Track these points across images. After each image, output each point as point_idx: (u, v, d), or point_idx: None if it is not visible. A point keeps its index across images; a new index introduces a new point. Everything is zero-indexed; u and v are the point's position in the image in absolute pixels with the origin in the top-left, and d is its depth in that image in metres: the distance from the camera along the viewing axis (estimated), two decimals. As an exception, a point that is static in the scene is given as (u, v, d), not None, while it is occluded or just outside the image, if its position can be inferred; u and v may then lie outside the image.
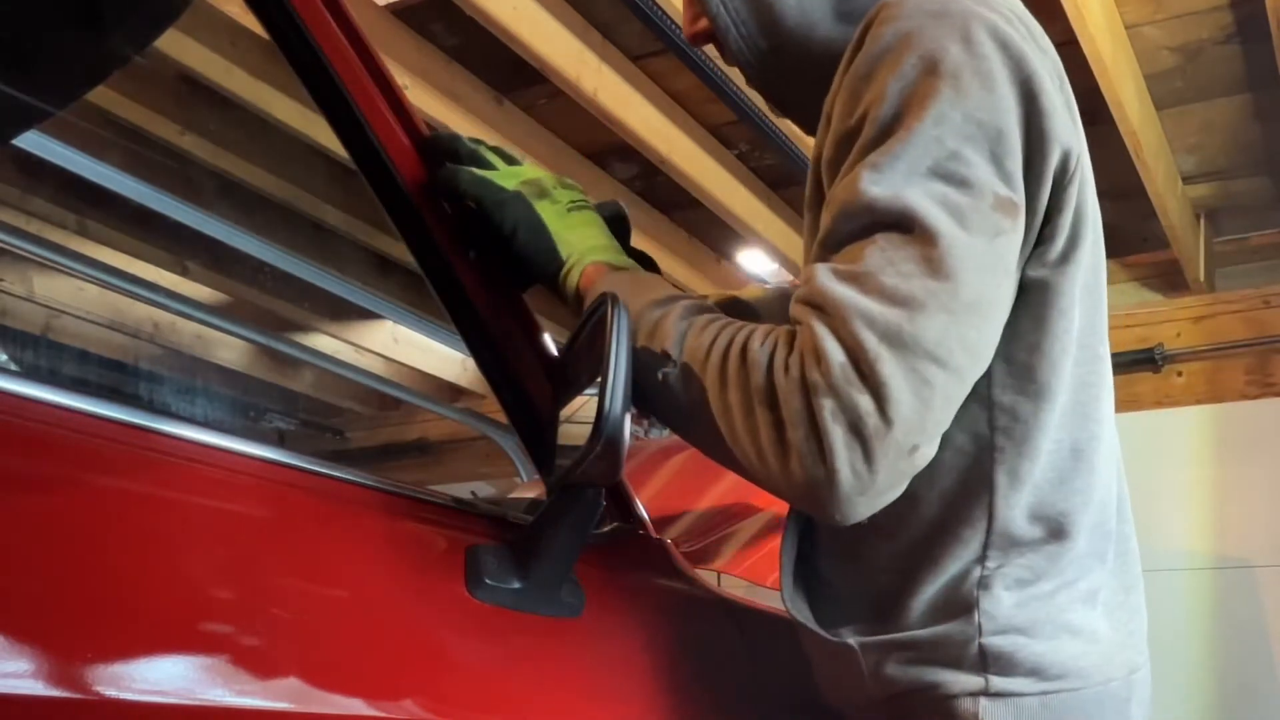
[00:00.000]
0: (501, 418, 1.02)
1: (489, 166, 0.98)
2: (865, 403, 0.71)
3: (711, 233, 4.00)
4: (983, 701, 0.84)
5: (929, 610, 0.86)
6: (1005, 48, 0.78)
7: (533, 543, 0.84)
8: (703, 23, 0.95)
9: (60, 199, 3.23)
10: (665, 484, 2.05)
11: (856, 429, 0.71)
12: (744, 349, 0.77)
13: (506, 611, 0.81)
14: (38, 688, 0.54)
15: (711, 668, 1.01)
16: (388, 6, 2.72)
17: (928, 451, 0.75)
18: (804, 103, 0.94)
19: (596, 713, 0.86)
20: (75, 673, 0.55)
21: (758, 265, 4.10)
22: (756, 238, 3.67)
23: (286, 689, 0.65)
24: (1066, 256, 0.83)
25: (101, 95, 2.79)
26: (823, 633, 0.91)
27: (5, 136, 1.54)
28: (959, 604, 0.85)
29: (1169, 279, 3.87)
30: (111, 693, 0.56)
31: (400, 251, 1.00)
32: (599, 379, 0.79)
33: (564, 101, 2.97)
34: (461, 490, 1.50)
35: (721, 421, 0.78)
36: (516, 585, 0.82)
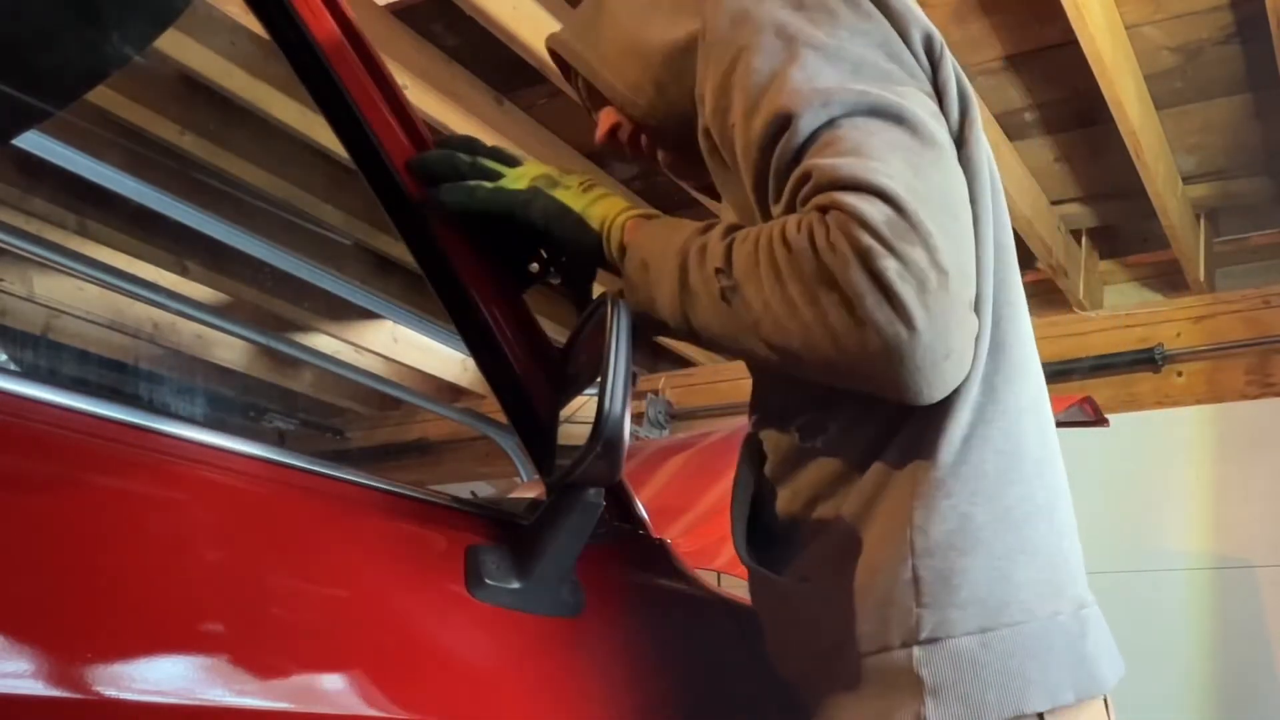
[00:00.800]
0: (501, 418, 1.02)
1: (493, 175, 0.99)
2: (920, 255, 0.69)
3: (711, 233, 4.00)
4: (915, 652, 0.77)
5: (869, 543, 0.81)
6: None
7: (533, 543, 0.84)
8: (618, 130, 1.05)
9: (60, 199, 3.23)
10: (665, 484, 2.05)
11: (922, 283, 0.69)
12: (784, 240, 0.74)
13: (506, 611, 0.81)
14: (38, 688, 0.54)
15: (711, 668, 1.01)
16: (388, 6, 2.72)
17: (971, 294, 0.74)
18: (690, 155, 0.98)
19: (596, 713, 0.86)
20: (75, 673, 0.55)
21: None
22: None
23: (286, 689, 0.65)
24: (964, 137, 0.83)
25: (101, 95, 2.78)
26: (775, 577, 0.90)
27: (5, 136, 1.54)
28: (895, 529, 0.80)
29: (1169, 279, 3.87)
30: (111, 693, 0.56)
31: (400, 251, 1.00)
32: (599, 379, 0.79)
33: (564, 101, 2.97)
34: (461, 490, 1.50)
35: (790, 320, 0.74)
36: (516, 585, 0.82)
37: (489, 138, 3.13)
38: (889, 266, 0.69)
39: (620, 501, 1.06)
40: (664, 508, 1.82)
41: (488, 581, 0.80)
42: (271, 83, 2.83)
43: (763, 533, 0.94)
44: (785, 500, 0.93)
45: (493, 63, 2.94)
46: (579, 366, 0.89)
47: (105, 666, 0.57)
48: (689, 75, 0.91)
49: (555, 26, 2.68)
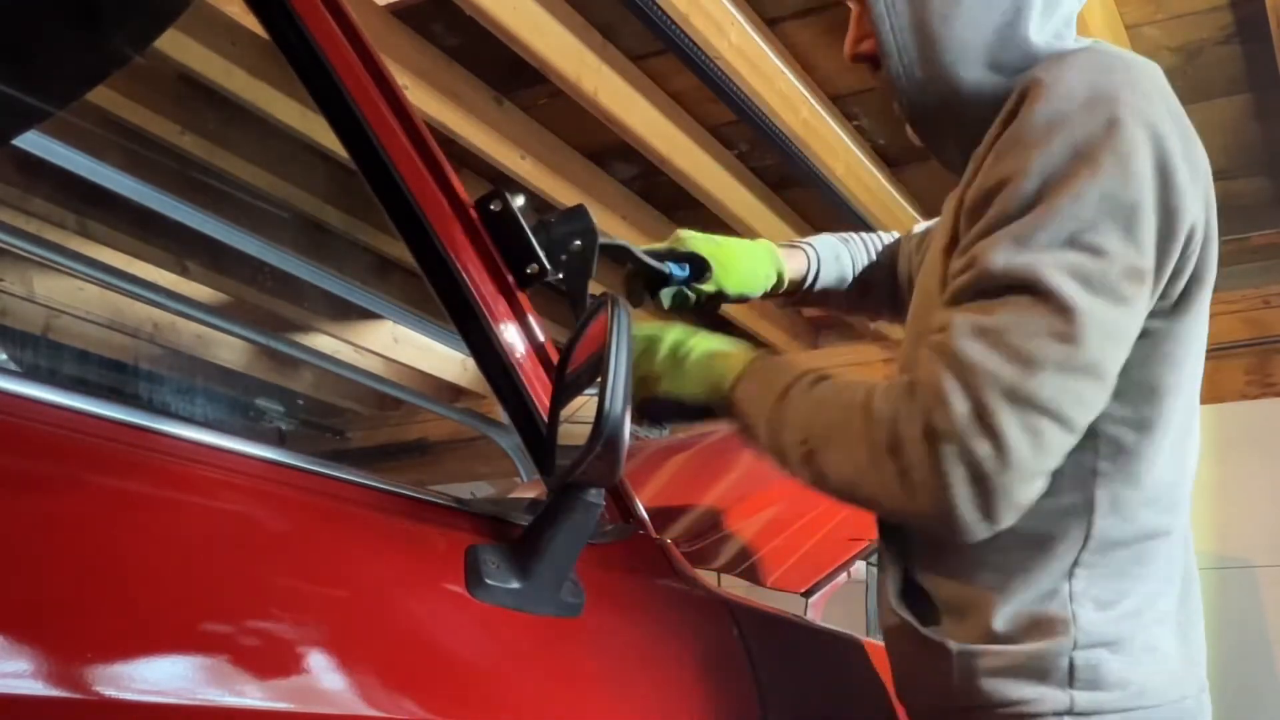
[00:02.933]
0: (501, 418, 1.02)
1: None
2: (984, 448, 0.80)
3: (711, 233, 4.00)
4: None
5: (1024, 622, 0.91)
6: (1148, 134, 0.85)
7: (533, 543, 0.84)
8: (866, 44, 1.03)
9: (60, 199, 3.23)
10: (665, 484, 2.05)
11: (976, 470, 0.80)
12: (866, 410, 0.86)
13: (506, 611, 0.81)
14: (38, 688, 0.54)
15: (711, 668, 1.01)
16: (388, 6, 2.72)
17: (1039, 487, 0.84)
18: (943, 140, 1.03)
19: (596, 713, 0.86)
20: (75, 673, 0.55)
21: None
22: (755, 236, 3.67)
23: (286, 689, 0.65)
24: (1179, 310, 0.91)
25: (101, 95, 2.79)
26: (924, 630, 0.96)
27: (5, 136, 1.54)
28: (1054, 617, 0.90)
29: (1169, 279, 3.87)
30: (111, 693, 0.56)
31: (400, 251, 1.00)
32: (599, 379, 0.79)
33: (564, 101, 2.97)
34: (461, 490, 1.50)
35: (852, 479, 0.88)
36: (516, 585, 0.82)
37: (489, 138, 3.13)
38: (947, 450, 0.80)
39: (620, 501, 1.06)
40: (664, 508, 1.82)
41: (488, 581, 0.80)
42: (271, 83, 2.83)
43: (910, 583, 1.02)
44: (934, 556, 0.99)
45: (493, 63, 2.94)
46: (579, 366, 0.89)
47: (105, 666, 0.57)
48: (977, 109, 0.96)
49: (555, 26, 2.70)
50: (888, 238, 1.43)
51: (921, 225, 1.33)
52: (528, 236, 1.04)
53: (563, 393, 0.92)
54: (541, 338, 1.03)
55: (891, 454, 0.83)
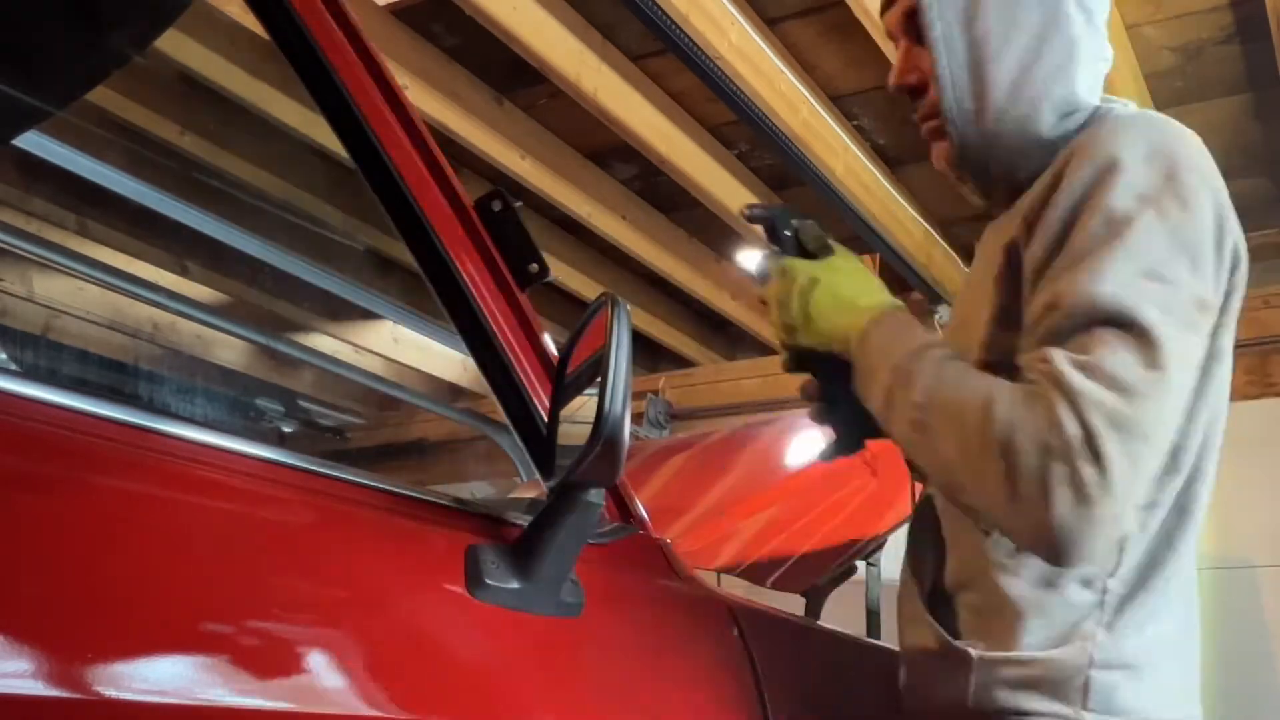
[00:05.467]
0: (501, 418, 1.02)
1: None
2: (1091, 473, 0.83)
3: (711, 233, 4.01)
4: None
5: (1048, 637, 0.95)
6: (1203, 183, 0.93)
7: (533, 543, 0.84)
8: (913, 76, 1.08)
9: (60, 199, 3.23)
10: (665, 484, 2.05)
11: (1081, 492, 0.83)
12: (987, 404, 0.89)
13: (506, 611, 0.81)
14: (38, 688, 0.54)
15: (711, 668, 1.01)
16: (388, 6, 2.73)
17: (1130, 519, 0.87)
18: (986, 176, 1.08)
19: (596, 713, 0.86)
20: (75, 673, 0.55)
21: (758, 265, 4.10)
22: (756, 238, 3.67)
23: (286, 689, 0.65)
24: (1219, 334, 0.98)
25: (101, 95, 2.79)
26: (948, 637, 0.98)
27: (5, 136, 1.54)
28: (1078, 635, 0.94)
29: (1169, 279, 3.87)
30: (111, 693, 0.56)
31: (400, 251, 1.00)
32: (599, 379, 0.79)
33: (564, 101, 2.97)
34: (461, 490, 1.50)
35: (956, 463, 0.91)
36: (516, 585, 0.82)
37: (489, 138, 3.13)
38: (1058, 470, 0.83)
39: (620, 501, 1.06)
40: (664, 508, 1.82)
41: (488, 581, 0.80)
42: (271, 83, 2.83)
43: (936, 586, 1.05)
44: (970, 563, 1.02)
45: (493, 63, 2.94)
46: (579, 366, 0.89)
47: (105, 666, 0.57)
48: (1024, 146, 1.03)
49: (555, 26, 2.70)
50: None
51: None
52: (528, 236, 1.04)
53: (563, 393, 0.92)
54: (541, 338, 1.02)
55: (1003, 456, 0.86)
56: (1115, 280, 0.88)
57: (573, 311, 4.09)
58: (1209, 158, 0.97)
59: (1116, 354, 0.86)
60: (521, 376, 0.99)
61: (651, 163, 3.24)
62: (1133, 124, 0.96)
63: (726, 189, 3.45)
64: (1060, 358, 0.87)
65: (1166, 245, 0.90)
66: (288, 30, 0.93)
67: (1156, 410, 0.85)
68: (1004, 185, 1.06)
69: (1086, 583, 0.96)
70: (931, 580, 1.05)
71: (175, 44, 2.59)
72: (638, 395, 4.35)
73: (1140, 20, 2.75)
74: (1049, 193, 0.95)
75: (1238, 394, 3.63)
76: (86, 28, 1.21)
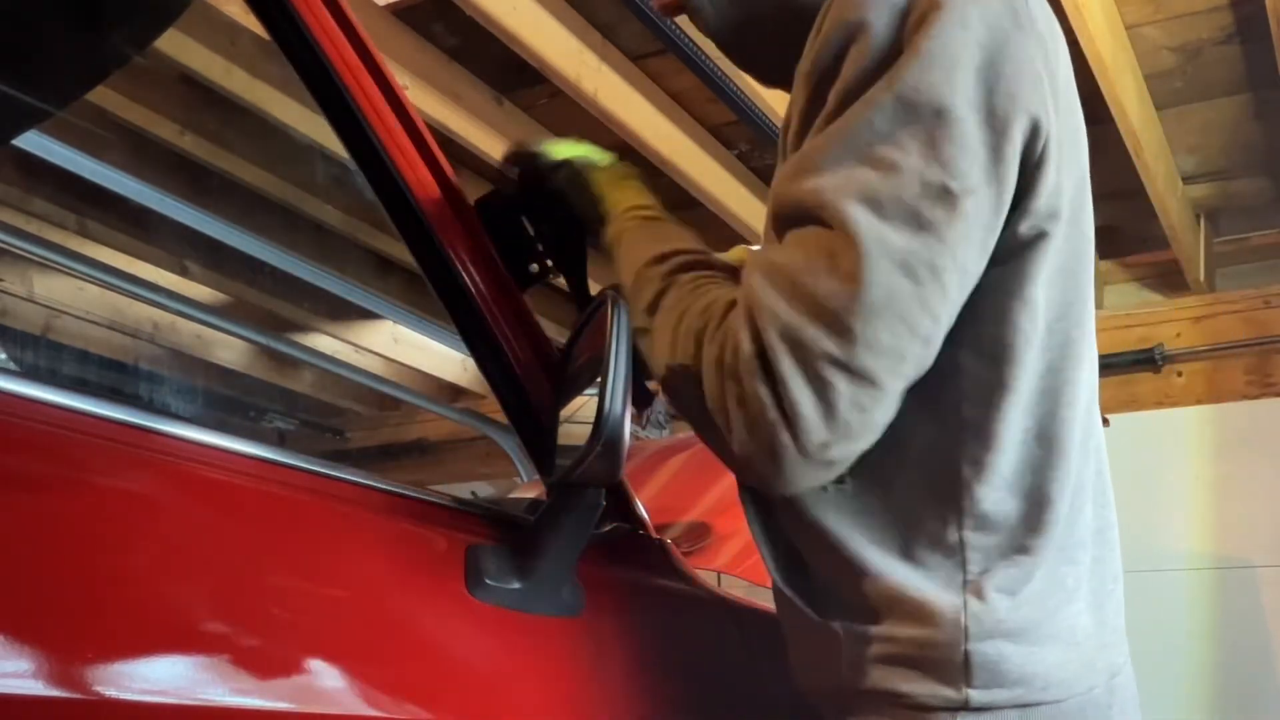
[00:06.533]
0: (501, 418, 1.02)
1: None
2: (765, 395, 0.72)
3: (711, 233, 4.00)
4: (960, 717, 0.80)
5: (914, 609, 0.81)
6: (963, 24, 0.73)
7: (533, 543, 0.84)
8: None
9: (60, 199, 3.23)
10: (665, 484, 2.05)
11: (757, 419, 0.73)
12: (687, 316, 0.81)
13: (506, 611, 0.81)
14: (38, 688, 0.54)
15: (711, 668, 1.01)
16: (388, 6, 2.72)
17: (842, 451, 0.74)
18: (771, 64, 0.95)
19: (596, 712, 0.86)
20: (75, 673, 0.55)
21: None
22: (757, 238, 3.67)
23: (286, 689, 0.65)
24: (1033, 243, 0.79)
25: (101, 95, 2.78)
26: (809, 611, 0.87)
27: (5, 136, 1.54)
28: (941, 603, 0.80)
29: (1169, 279, 3.87)
30: (111, 693, 0.56)
31: (400, 251, 1.00)
32: (599, 379, 0.79)
33: (564, 101, 2.96)
34: (461, 490, 1.50)
35: (666, 380, 0.82)
36: (516, 585, 0.82)
37: (489, 138, 3.13)
38: (731, 390, 0.74)
39: (620, 501, 1.06)
40: (664, 508, 1.82)
41: (488, 581, 0.80)
42: (271, 83, 2.83)
43: (790, 555, 0.91)
44: (797, 518, 0.87)
45: (493, 63, 2.94)
46: (579, 366, 0.89)
47: (105, 666, 0.57)
48: (791, 34, 0.85)
49: (555, 26, 2.70)
50: None
51: None
52: (528, 236, 1.04)
53: (563, 393, 0.92)
54: (541, 338, 1.02)
55: (692, 378, 0.77)
56: (821, 170, 0.73)
57: (573, 311, 4.07)
58: (1010, 2, 0.76)
59: (808, 258, 0.72)
60: (521, 376, 0.99)
61: (651, 163, 3.24)
62: None
63: (726, 189, 3.45)
64: (758, 258, 0.76)
65: (892, 120, 0.72)
66: (288, 30, 0.93)
67: (848, 328, 0.70)
68: (785, 68, 0.85)
69: (936, 545, 0.81)
70: (782, 539, 0.91)
71: (175, 44, 2.58)
72: (638, 395, 4.34)
73: (1140, 20, 2.75)
74: (808, 53, 0.79)
75: (1237, 394, 3.60)
76: (86, 28, 1.21)
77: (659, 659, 0.95)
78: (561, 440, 0.90)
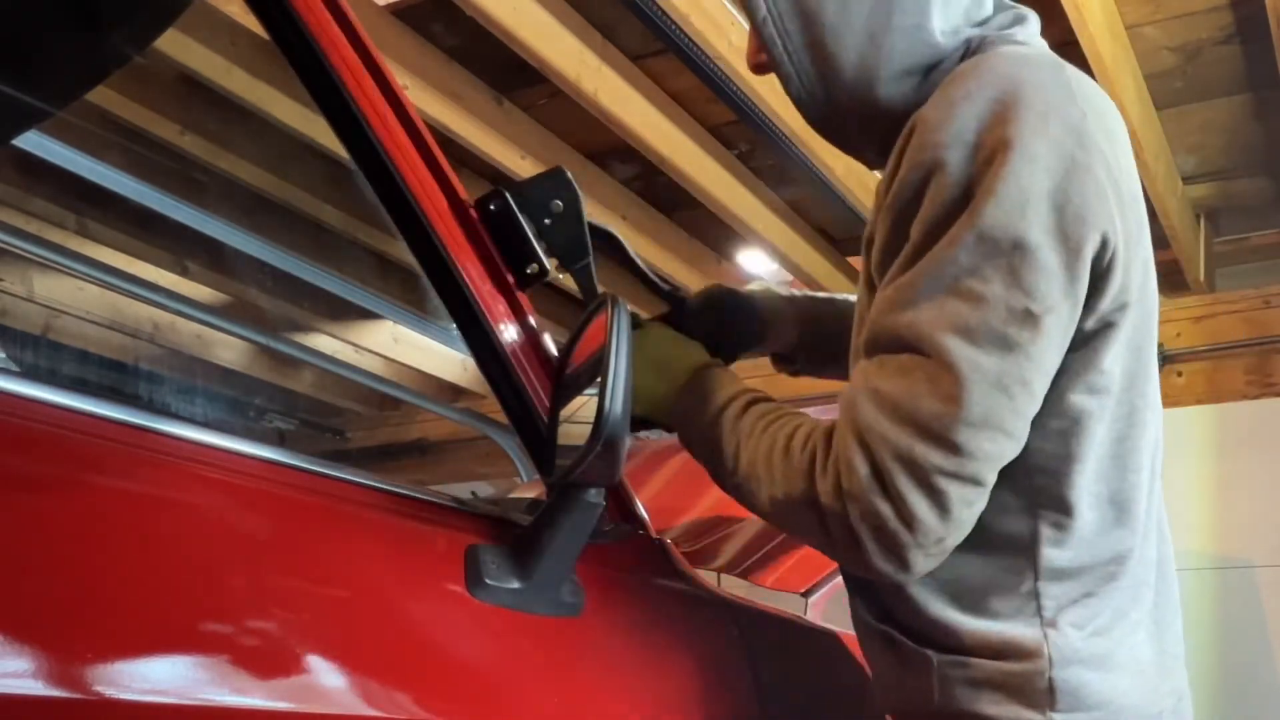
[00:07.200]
0: (501, 418, 1.02)
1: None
2: (886, 509, 0.81)
3: (711, 233, 4.00)
4: None
5: (1001, 646, 0.89)
6: (1034, 162, 0.80)
7: (533, 543, 0.84)
8: (764, 56, 0.98)
9: (60, 199, 3.23)
10: (665, 484, 2.05)
11: (882, 531, 0.82)
12: (787, 455, 0.88)
13: (506, 611, 0.81)
14: (38, 688, 0.54)
15: (711, 668, 1.01)
16: (388, 6, 2.72)
17: (954, 540, 0.84)
18: (848, 143, 1.01)
19: (596, 712, 0.86)
20: (75, 673, 0.55)
21: (758, 265, 4.10)
22: (756, 238, 3.67)
23: (286, 689, 0.65)
24: (1101, 332, 0.87)
25: (101, 95, 2.78)
26: (905, 640, 0.94)
27: (5, 136, 1.54)
28: (1025, 640, 0.88)
29: (1169, 279, 3.87)
30: (111, 693, 0.56)
31: (400, 251, 1.00)
32: (599, 379, 0.79)
33: (564, 101, 2.97)
34: (461, 490, 1.50)
35: (776, 517, 0.91)
36: (516, 585, 0.82)
37: (489, 138, 3.13)
38: (854, 510, 0.82)
39: (620, 501, 1.06)
40: (664, 508, 1.82)
41: (488, 581, 0.80)
42: (271, 83, 2.83)
43: (882, 601, 0.98)
44: (892, 589, 0.96)
45: (493, 63, 2.94)
46: (579, 366, 0.89)
47: (105, 666, 0.57)
48: (886, 120, 0.92)
49: (555, 26, 2.70)
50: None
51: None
52: (528, 236, 1.04)
53: (563, 393, 0.92)
54: (541, 338, 1.02)
55: (809, 505, 0.86)
56: (916, 304, 0.82)
57: (573, 311, 4.08)
58: (1065, 102, 0.83)
59: (910, 385, 0.81)
60: (521, 376, 0.99)
61: (651, 163, 3.24)
62: (966, 99, 0.83)
63: (726, 189, 3.45)
64: (860, 383, 0.85)
65: (974, 255, 0.80)
66: (288, 30, 0.93)
67: (954, 444, 0.80)
68: (876, 154, 0.97)
69: (1013, 595, 0.90)
70: (875, 593, 0.99)
71: (175, 44, 2.58)
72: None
73: (1140, 20, 2.75)
74: (890, 180, 0.87)
75: (1237, 394, 3.59)
76: (86, 28, 1.21)
77: (659, 659, 0.95)
78: (561, 440, 0.90)
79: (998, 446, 0.82)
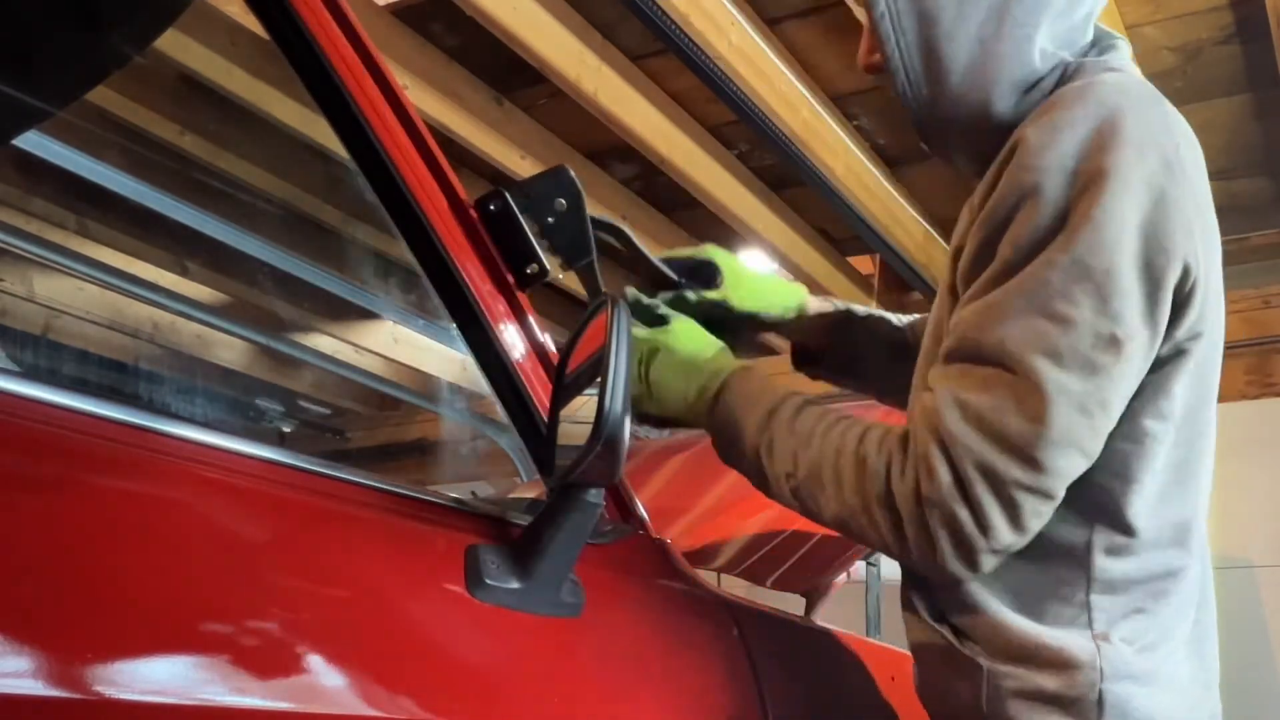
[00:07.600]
0: (501, 418, 1.02)
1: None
2: (965, 515, 0.85)
3: (711, 233, 4.00)
4: None
5: (1053, 656, 0.91)
6: (1129, 193, 0.84)
7: (533, 543, 0.84)
8: (878, 56, 1.01)
9: (60, 199, 3.23)
10: (665, 484, 2.05)
11: (958, 535, 0.86)
12: (859, 458, 0.91)
13: (506, 611, 0.81)
14: (38, 688, 0.54)
15: (711, 668, 1.01)
16: (388, 6, 2.73)
17: (1021, 542, 0.88)
18: (954, 153, 1.03)
19: (596, 712, 0.86)
20: (75, 673, 0.55)
21: (757, 265, 4.10)
22: (756, 238, 3.67)
23: (286, 689, 0.65)
24: (1173, 359, 0.90)
25: (101, 95, 2.78)
26: (956, 644, 0.96)
27: (5, 136, 1.54)
28: (1077, 651, 0.90)
29: (1169, 279, 3.87)
30: (111, 693, 0.56)
31: (400, 251, 1.00)
32: (599, 379, 0.79)
33: (564, 101, 2.97)
34: (461, 490, 1.50)
35: (844, 519, 0.92)
36: (516, 585, 0.82)
37: (489, 138, 3.13)
38: (934, 514, 0.86)
39: (620, 501, 1.06)
40: (664, 508, 1.82)
41: (488, 581, 0.80)
42: (271, 83, 2.83)
43: (938, 603, 1.00)
44: (951, 587, 0.98)
45: (492, 62, 2.94)
46: (579, 366, 0.89)
47: (105, 666, 0.57)
48: (987, 128, 0.95)
49: (555, 26, 2.70)
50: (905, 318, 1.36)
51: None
52: (528, 236, 1.04)
53: (563, 393, 0.92)
54: (541, 338, 1.03)
55: (885, 507, 0.89)
56: (1006, 322, 0.85)
57: (573, 311, 4.09)
58: (1163, 133, 0.87)
59: (995, 399, 0.85)
60: (521, 376, 0.99)
61: (651, 163, 3.24)
62: (1070, 127, 0.86)
63: (726, 189, 3.45)
64: (944, 394, 0.87)
65: (1066, 279, 0.84)
66: (288, 30, 0.93)
67: (1034, 459, 0.84)
68: (967, 162, 1.02)
69: (1066, 604, 0.92)
70: (931, 595, 1.01)
71: (175, 44, 2.58)
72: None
73: (1140, 20, 2.76)
74: (987, 195, 0.90)
75: (1237, 394, 3.60)
76: (86, 28, 1.21)
77: (659, 659, 0.95)
78: (561, 440, 0.90)
79: (1073, 464, 0.86)
